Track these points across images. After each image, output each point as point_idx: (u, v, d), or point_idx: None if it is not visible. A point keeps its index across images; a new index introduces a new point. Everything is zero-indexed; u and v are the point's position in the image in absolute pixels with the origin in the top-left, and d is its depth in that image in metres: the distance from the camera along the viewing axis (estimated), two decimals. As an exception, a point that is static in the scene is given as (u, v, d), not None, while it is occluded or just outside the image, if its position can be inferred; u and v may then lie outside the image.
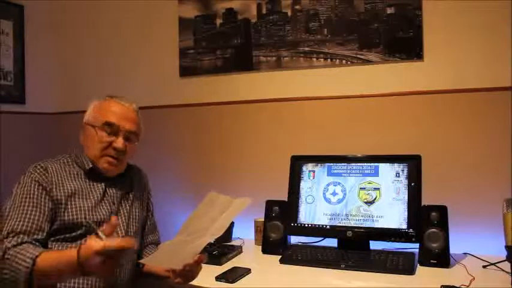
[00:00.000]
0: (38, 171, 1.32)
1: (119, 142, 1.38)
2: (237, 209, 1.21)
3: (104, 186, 1.41)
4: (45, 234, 1.27)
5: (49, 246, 1.28)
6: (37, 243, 1.24)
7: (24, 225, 1.23)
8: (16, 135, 2.32)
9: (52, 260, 1.12)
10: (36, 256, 1.13)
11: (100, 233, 1.02)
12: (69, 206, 1.31)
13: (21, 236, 1.21)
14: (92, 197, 1.37)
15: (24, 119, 2.39)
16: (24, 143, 2.36)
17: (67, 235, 1.30)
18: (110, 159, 1.39)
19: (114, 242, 1.00)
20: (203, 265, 1.30)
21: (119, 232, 1.39)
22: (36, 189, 1.29)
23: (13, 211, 1.26)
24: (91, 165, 1.39)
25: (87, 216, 1.32)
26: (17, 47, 2.36)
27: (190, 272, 1.26)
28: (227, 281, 1.42)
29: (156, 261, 1.31)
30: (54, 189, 1.31)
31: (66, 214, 1.30)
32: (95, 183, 1.40)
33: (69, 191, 1.33)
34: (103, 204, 1.39)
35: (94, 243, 1.00)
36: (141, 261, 1.27)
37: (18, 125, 2.35)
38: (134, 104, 1.46)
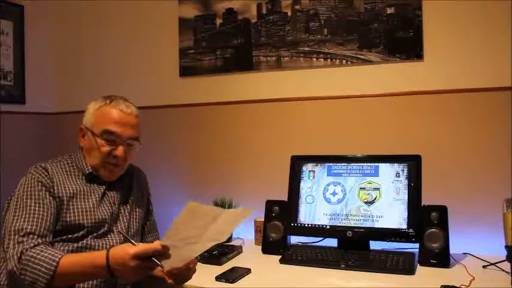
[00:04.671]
0: (39, 171, 1.32)
1: (120, 150, 1.36)
2: (238, 219, 1.22)
3: (103, 189, 1.41)
4: (52, 234, 1.26)
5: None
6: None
7: (34, 226, 1.21)
8: (16, 135, 2.32)
9: (76, 262, 1.14)
10: (60, 258, 1.13)
11: (133, 241, 1.09)
12: (70, 207, 1.31)
13: (34, 236, 1.20)
14: (92, 199, 1.37)
15: (24, 119, 2.39)
16: (24, 143, 2.36)
17: (69, 236, 1.30)
18: (111, 167, 1.38)
19: (150, 246, 1.06)
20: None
21: (120, 232, 1.39)
22: (39, 189, 1.28)
23: (19, 211, 1.24)
24: (90, 170, 1.39)
25: (88, 218, 1.33)
26: (17, 47, 2.36)
27: (179, 274, 1.26)
28: (227, 281, 1.42)
29: None
30: (56, 188, 1.31)
31: (68, 215, 1.30)
32: (94, 186, 1.40)
33: (70, 192, 1.33)
34: (103, 205, 1.39)
35: (129, 248, 1.05)
36: None
37: (18, 125, 2.35)
38: (134, 107, 1.41)
